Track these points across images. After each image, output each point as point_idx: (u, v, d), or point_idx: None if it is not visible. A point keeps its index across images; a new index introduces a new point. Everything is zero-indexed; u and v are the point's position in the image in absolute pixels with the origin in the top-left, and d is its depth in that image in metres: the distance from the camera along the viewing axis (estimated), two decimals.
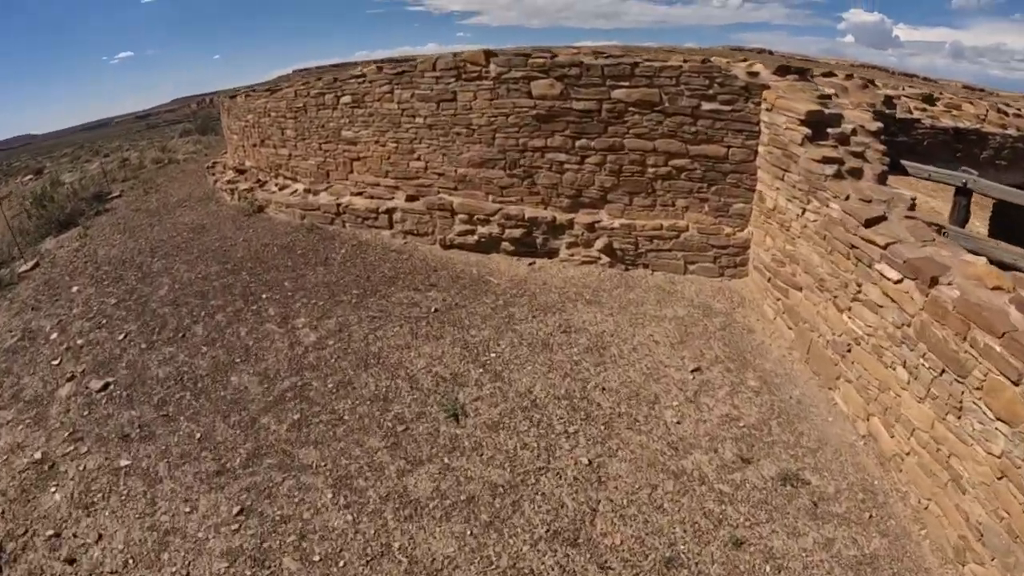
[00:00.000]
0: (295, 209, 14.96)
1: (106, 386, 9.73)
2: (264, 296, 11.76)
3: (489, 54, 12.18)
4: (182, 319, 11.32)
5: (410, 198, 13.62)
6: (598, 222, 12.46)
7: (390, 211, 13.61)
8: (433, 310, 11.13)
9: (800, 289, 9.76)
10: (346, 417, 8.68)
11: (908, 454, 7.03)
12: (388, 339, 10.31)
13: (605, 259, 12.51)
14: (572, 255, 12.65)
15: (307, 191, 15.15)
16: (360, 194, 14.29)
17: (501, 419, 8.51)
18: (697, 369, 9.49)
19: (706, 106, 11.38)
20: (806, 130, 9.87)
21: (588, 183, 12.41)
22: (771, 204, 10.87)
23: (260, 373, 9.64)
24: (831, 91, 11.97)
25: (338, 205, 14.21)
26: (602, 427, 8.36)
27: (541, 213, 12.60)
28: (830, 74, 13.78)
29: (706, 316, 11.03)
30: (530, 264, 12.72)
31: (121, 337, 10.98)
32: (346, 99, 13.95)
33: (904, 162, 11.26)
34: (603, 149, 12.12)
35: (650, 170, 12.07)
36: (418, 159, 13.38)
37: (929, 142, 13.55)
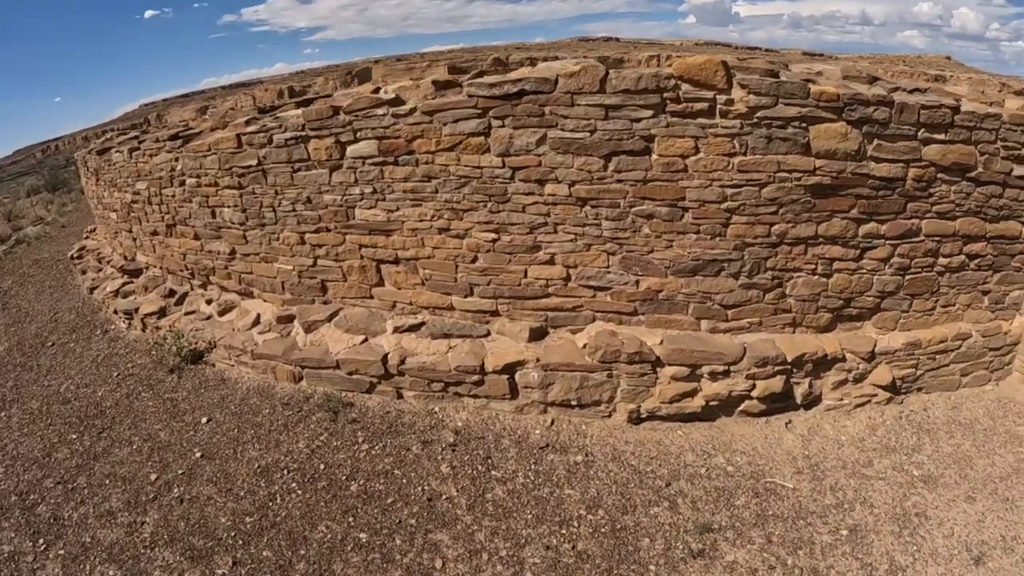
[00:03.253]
0: (277, 363, 6.03)
1: None
2: None
3: (729, 69, 4.50)
4: None
5: (536, 334, 5.39)
6: (875, 344, 5.58)
7: (512, 368, 5.25)
8: None
9: None
10: None
11: None
12: None
13: (882, 395, 5.67)
14: (841, 399, 5.62)
15: (283, 320, 6.27)
16: (413, 329, 5.78)
17: None
18: None
19: (1017, 171, 5.14)
20: None
21: (864, 288, 5.46)
22: None
23: None
24: None
25: (384, 359, 5.53)
26: None
27: (807, 345, 5.46)
28: None
29: None
30: (787, 424, 5.51)
31: None
32: (364, 147, 5.41)
33: None
34: (895, 237, 5.27)
35: (941, 261, 5.47)
36: (550, 261, 5.25)
37: None
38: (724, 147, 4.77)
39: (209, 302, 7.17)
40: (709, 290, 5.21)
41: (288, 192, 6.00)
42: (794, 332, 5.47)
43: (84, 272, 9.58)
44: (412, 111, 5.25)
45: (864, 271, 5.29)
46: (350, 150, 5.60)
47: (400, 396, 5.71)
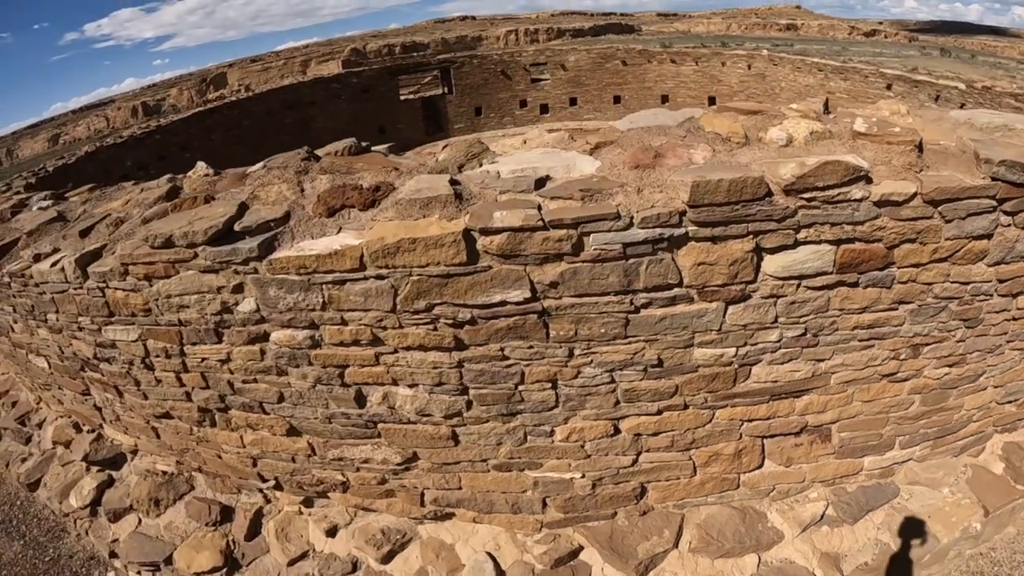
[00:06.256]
0: None
1: None
2: None
3: None
4: None
5: (957, 473, 1.84)
6: None
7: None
8: None
9: None
10: None
11: None
12: None
13: None
14: None
15: (561, 561, 1.55)
16: (820, 519, 1.65)
17: None
18: None
19: None
20: None
21: None
22: None
23: None
24: None
25: None
26: None
27: None
28: None
29: None
30: None
31: None
32: (808, 257, 1.49)
33: None
34: None
35: None
36: (984, 386, 1.67)
37: None
38: None
39: (333, 532, 1.88)
40: None
41: (607, 351, 1.34)
42: None
43: None
44: (909, 199, 1.14)
45: None
46: (774, 264, 1.27)
47: None
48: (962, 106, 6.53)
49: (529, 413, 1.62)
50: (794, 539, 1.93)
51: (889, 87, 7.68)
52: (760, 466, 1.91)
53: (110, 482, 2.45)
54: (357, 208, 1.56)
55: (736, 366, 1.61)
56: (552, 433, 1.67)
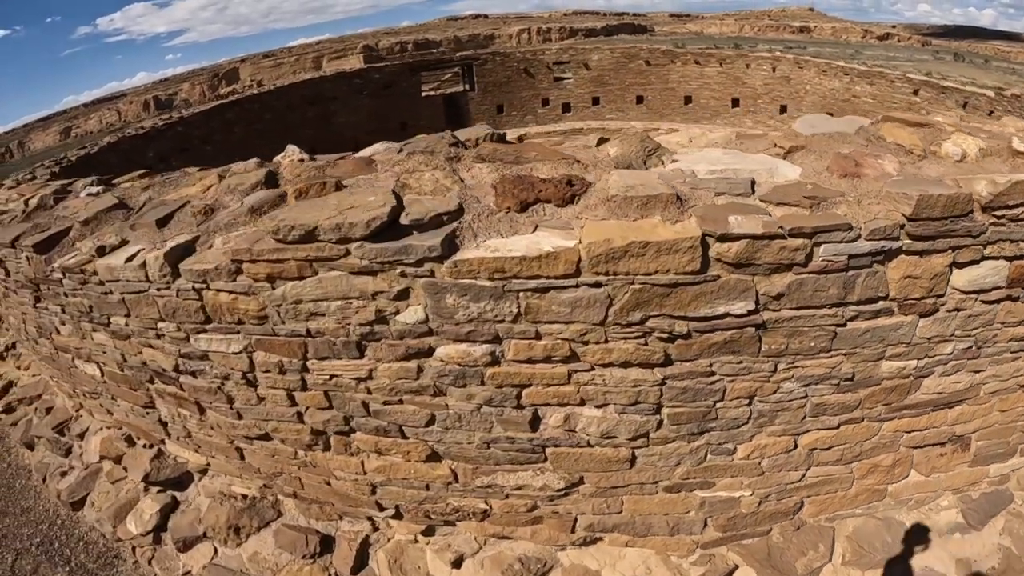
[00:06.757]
0: None
1: None
2: None
3: None
4: None
5: None
6: None
7: None
8: None
9: None
10: None
11: None
12: None
13: None
14: None
15: None
16: (951, 528, 1.75)
17: None
18: None
19: None
20: None
21: None
22: None
23: None
24: None
25: None
26: None
27: None
28: None
29: None
30: None
31: None
32: (987, 273, 1.54)
33: None
34: None
35: None
36: None
37: None
38: None
39: (458, 563, 1.71)
40: None
41: (809, 365, 1.30)
42: None
43: (31, 447, 2.12)
44: None
45: None
46: (962, 278, 1.31)
47: None
48: (990, 113, 6.13)
49: (718, 431, 1.53)
50: (940, 550, 1.99)
51: (916, 92, 7.42)
52: (906, 476, 1.93)
53: (174, 505, 2.07)
54: (554, 203, 1.39)
55: (912, 378, 1.60)
56: (734, 451, 1.58)
